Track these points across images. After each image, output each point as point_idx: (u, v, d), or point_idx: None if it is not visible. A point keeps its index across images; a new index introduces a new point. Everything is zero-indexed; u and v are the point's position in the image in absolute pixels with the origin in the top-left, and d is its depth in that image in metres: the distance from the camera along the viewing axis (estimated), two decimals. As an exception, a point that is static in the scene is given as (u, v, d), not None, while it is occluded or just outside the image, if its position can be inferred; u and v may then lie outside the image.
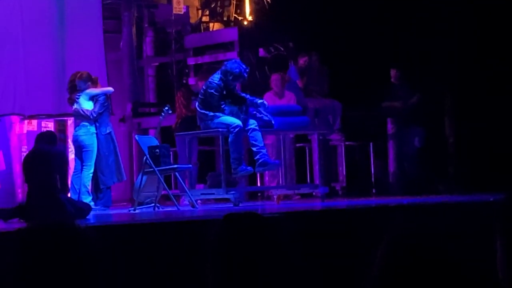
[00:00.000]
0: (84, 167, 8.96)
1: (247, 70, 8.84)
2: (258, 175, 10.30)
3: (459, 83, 11.38)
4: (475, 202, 7.20)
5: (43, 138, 7.84)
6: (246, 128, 8.73)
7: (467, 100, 11.28)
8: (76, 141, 9.10)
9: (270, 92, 10.21)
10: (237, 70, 8.69)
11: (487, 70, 11.09)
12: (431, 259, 1.79)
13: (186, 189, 8.92)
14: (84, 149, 8.97)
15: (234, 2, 11.82)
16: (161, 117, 9.62)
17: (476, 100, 11.16)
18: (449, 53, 11.32)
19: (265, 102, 9.01)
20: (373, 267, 1.85)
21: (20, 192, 9.89)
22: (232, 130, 8.65)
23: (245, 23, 11.69)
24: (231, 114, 8.74)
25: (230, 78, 8.69)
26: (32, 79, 10.36)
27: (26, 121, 10.39)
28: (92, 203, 8.59)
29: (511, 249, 1.85)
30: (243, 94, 9.05)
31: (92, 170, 8.97)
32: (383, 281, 1.81)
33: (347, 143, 11.14)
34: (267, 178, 10.43)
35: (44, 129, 10.05)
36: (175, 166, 9.05)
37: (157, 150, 8.75)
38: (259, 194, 10.82)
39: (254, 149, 8.76)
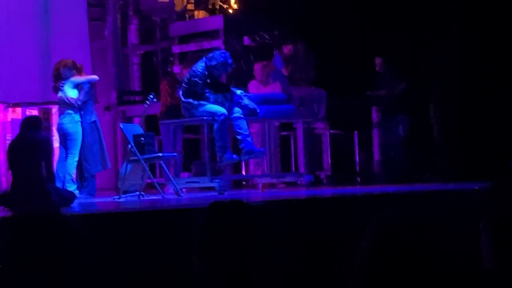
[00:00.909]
0: (68, 155, 8.95)
1: (232, 64, 8.84)
2: (243, 163, 10.30)
3: (444, 71, 11.42)
4: (461, 190, 7.23)
5: (28, 123, 7.80)
6: (231, 116, 8.73)
7: (452, 87, 11.32)
8: (60, 129, 9.08)
9: (255, 80, 10.21)
10: (221, 58, 8.70)
11: (474, 59, 11.13)
12: (417, 247, 1.79)
13: (171, 178, 8.91)
14: (68, 137, 8.96)
15: (220, -10, 11.81)
16: (146, 105, 9.60)
17: (462, 88, 11.20)
18: (436, 41, 11.35)
19: (244, 92, 9.03)
20: (357, 255, 1.86)
21: (5, 181, 9.87)
22: (217, 118, 8.64)
23: (230, 11, 11.68)
24: (216, 102, 8.73)
25: (213, 64, 8.67)
26: (17, 67, 10.32)
27: (10, 109, 10.36)
28: (76, 192, 8.58)
29: (496, 236, 1.86)
30: None
31: (76, 158, 8.96)
32: (368, 269, 1.81)
33: (332, 131, 11.16)
34: (252, 167, 10.43)
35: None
36: (160, 154, 9.04)
37: (142, 139, 8.74)
38: (244, 183, 10.83)
39: (239, 137, 8.77)
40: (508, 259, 1.83)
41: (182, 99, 8.84)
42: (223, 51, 9.10)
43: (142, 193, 8.73)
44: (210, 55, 8.78)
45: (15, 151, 7.63)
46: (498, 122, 10.84)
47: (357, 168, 11.26)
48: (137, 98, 11.72)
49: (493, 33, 11.12)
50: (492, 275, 1.84)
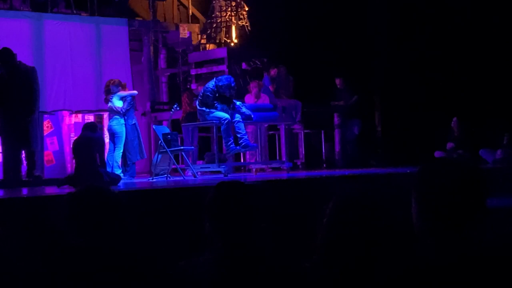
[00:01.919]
0: (115, 148, 8.94)
1: (234, 86, 8.81)
2: (242, 154, 10.30)
3: (384, 88, 11.46)
4: (397, 173, 7.22)
5: (88, 127, 7.80)
6: (233, 120, 8.72)
7: (390, 99, 11.36)
8: (110, 130, 9.06)
9: (250, 94, 10.21)
10: (226, 81, 8.71)
11: (404, 79, 11.18)
12: (366, 215, 1.80)
13: (190, 164, 8.91)
14: (116, 135, 8.95)
15: (224, 29, 11.79)
16: (171, 112, 9.59)
17: (397, 99, 11.25)
18: (378, 66, 11.38)
19: (242, 103, 9.02)
20: (323, 220, 1.86)
21: (69, 167, 9.85)
22: (223, 122, 8.64)
23: (232, 44, 11.67)
24: (222, 110, 8.72)
25: (220, 84, 8.66)
26: (78, 84, 10.32)
27: (73, 115, 10.34)
28: (121, 174, 8.57)
29: (422, 207, 1.86)
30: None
31: (121, 150, 8.95)
32: (330, 230, 1.82)
33: (305, 131, 11.16)
34: (248, 156, 10.43)
35: (87, 121, 10.01)
36: (182, 147, 9.04)
37: (169, 136, 8.73)
38: (242, 168, 10.82)
39: (238, 135, 8.76)
40: (429, 222, 1.84)
41: (198, 107, 8.82)
42: (229, 76, 9.07)
43: (169, 175, 8.73)
44: (219, 77, 8.77)
45: (78, 146, 7.62)
46: (425, 123, 10.88)
47: (323, 157, 11.27)
48: (165, 107, 11.70)
49: (418, 62, 11.15)
50: (418, 234, 1.85)
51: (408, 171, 6.60)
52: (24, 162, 8.05)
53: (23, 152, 7.97)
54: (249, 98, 10.06)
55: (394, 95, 11.23)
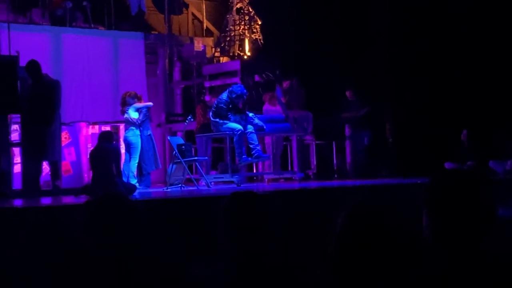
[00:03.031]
0: (131, 158, 8.97)
1: (247, 94, 8.86)
2: (254, 164, 10.30)
3: (395, 99, 11.42)
4: (407, 183, 7.19)
5: (103, 136, 7.83)
6: (245, 132, 8.73)
7: (401, 111, 11.33)
8: (125, 140, 9.10)
9: (270, 104, 10.22)
10: (239, 91, 8.72)
11: (414, 90, 11.14)
12: (377, 224, 1.79)
13: (203, 174, 8.92)
14: (131, 146, 8.98)
15: (238, 42, 11.83)
16: (185, 123, 9.62)
17: (408, 110, 11.21)
18: (388, 78, 11.36)
19: (254, 114, 9.03)
20: (335, 230, 1.86)
21: (86, 177, 9.90)
22: (236, 133, 8.65)
23: (245, 57, 11.70)
24: (235, 121, 8.74)
25: (234, 96, 8.70)
26: (95, 96, 10.39)
27: (90, 126, 10.41)
28: (137, 184, 8.60)
29: (432, 217, 1.86)
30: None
31: (137, 161, 8.98)
32: (342, 239, 1.81)
33: (317, 142, 11.14)
34: (260, 166, 10.42)
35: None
36: (196, 158, 9.06)
37: (183, 147, 8.76)
38: (254, 178, 10.82)
39: (251, 146, 8.76)
40: (440, 232, 1.83)
41: (211, 119, 8.85)
42: (241, 85, 9.09)
43: (183, 185, 8.75)
44: (231, 88, 8.79)
45: (94, 156, 7.66)
46: (435, 135, 10.82)
47: (335, 168, 11.23)
48: (180, 118, 11.75)
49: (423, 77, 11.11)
50: (429, 244, 1.84)
51: (419, 181, 6.56)
52: (44, 172, 8.09)
53: (43, 162, 8.02)
54: (272, 107, 10.10)
55: (405, 106, 11.20)
